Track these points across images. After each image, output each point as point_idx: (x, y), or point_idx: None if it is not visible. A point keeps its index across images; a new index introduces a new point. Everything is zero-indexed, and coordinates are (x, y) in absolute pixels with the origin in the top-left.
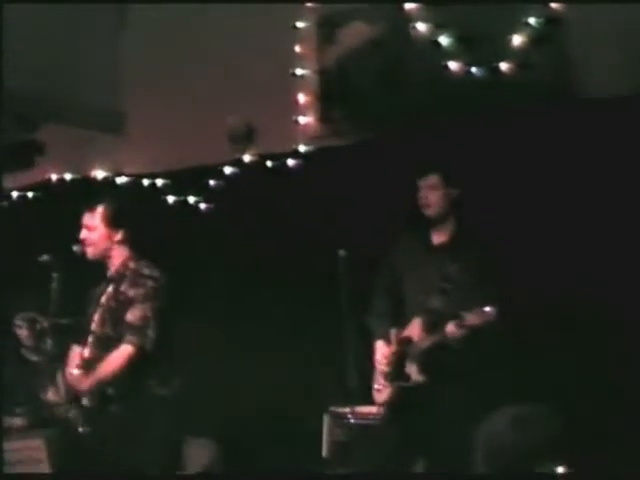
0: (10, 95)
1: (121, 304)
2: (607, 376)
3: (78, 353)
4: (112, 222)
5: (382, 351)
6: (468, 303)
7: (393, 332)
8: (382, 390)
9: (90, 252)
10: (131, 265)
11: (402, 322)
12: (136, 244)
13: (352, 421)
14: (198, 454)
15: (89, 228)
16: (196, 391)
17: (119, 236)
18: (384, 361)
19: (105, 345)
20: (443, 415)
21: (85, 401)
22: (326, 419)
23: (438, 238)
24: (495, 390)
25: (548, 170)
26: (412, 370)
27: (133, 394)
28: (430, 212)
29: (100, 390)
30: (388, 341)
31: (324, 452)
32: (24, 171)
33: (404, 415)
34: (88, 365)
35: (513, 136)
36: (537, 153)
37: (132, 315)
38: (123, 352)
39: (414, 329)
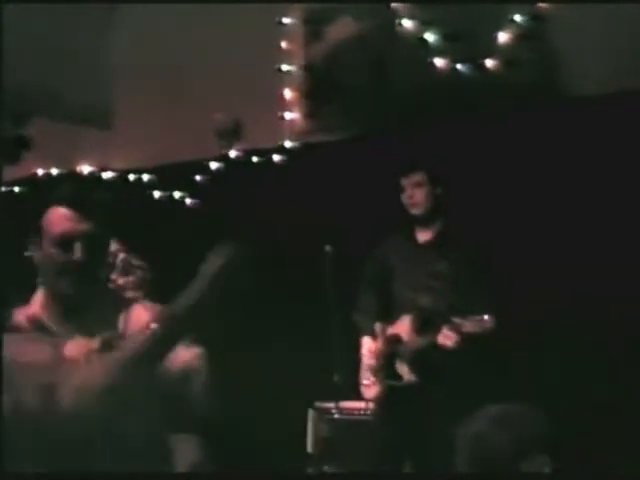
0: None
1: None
2: (595, 374)
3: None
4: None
5: (369, 346)
6: (457, 302)
7: (379, 327)
8: (370, 386)
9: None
10: (120, 256)
11: (389, 319)
12: (121, 238)
13: (337, 416)
14: (183, 450)
15: None
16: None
17: None
18: (371, 356)
19: None
20: (433, 415)
21: None
22: (311, 414)
23: (424, 236)
24: (485, 390)
25: (534, 168)
26: (403, 369)
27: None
28: (415, 210)
29: None
30: (374, 336)
31: (309, 448)
32: (10, 166)
33: (393, 413)
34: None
35: (500, 133)
36: (523, 151)
37: None
38: None
39: (403, 327)
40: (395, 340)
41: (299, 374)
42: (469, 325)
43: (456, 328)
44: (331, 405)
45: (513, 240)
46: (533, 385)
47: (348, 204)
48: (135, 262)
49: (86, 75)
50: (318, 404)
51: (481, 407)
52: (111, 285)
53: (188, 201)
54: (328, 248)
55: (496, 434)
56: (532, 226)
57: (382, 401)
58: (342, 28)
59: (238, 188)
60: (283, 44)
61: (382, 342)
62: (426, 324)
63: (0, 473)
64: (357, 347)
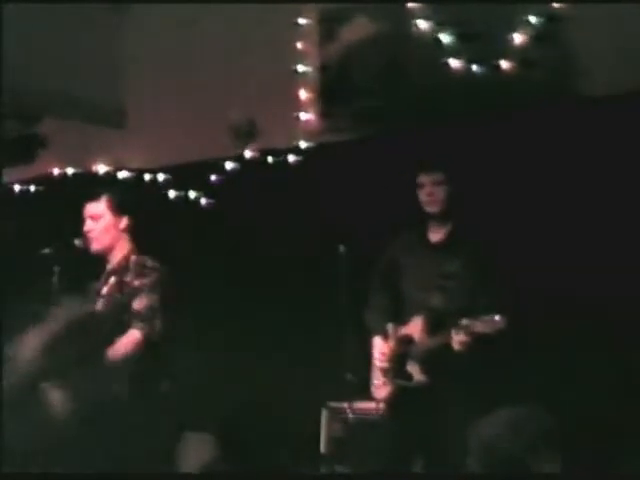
0: (12, 90)
1: (126, 294)
2: (606, 374)
3: None
4: (117, 209)
5: (380, 347)
6: (469, 302)
7: (391, 328)
8: (381, 387)
9: (95, 244)
10: (133, 258)
11: (400, 319)
12: (136, 238)
13: (350, 416)
14: (198, 449)
15: (94, 217)
16: (195, 387)
17: (124, 223)
18: (383, 358)
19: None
20: (443, 415)
21: None
22: (324, 414)
23: (436, 236)
24: (495, 392)
25: (549, 168)
26: (414, 369)
27: (137, 390)
28: (434, 209)
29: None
30: (386, 337)
31: (322, 448)
32: (26, 165)
33: (404, 413)
34: None
35: (513, 134)
36: (537, 151)
37: (139, 304)
38: (131, 336)
39: (415, 327)
40: (407, 340)
41: (312, 374)
42: (480, 325)
43: (466, 329)
44: (344, 405)
45: (525, 240)
46: (543, 386)
47: (363, 204)
48: (150, 263)
49: (101, 74)
50: (331, 404)
51: (491, 408)
52: (126, 287)
53: (203, 201)
54: (342, 248)
55: (509, 436)
56: (544, 226)
57: (393, 401)
58: (357, 29)
59: (253, 188)
60: (299, 45)
61: (394, 342)
62: (438, 325)
63: (0, 473)
64: (369, 347)
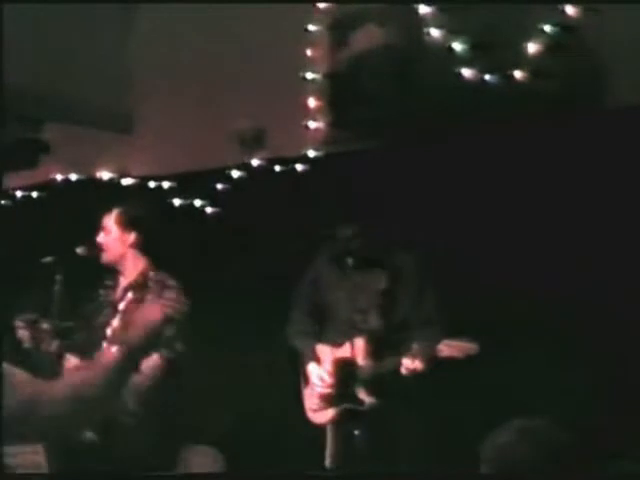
0: (15, 93)
1: None
2: (615, 385)
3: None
4: (125, 224)
5: (318, 373)
6: (407, 317)
7: (326, 352)
8: (320, 411)
9: (105, 257)
10: (152, 275)
11: (331, 341)
12: (144, 247)
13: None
14: (201, 462)
15: (105, 230)
16: (200, 398)
17: (131, 239)
18: (324, 384)
19: None
20: (396, 437)
21: None
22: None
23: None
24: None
25: (563, 179)
26: (361, 393)
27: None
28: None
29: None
30: (318, 361)
31: (327, 461)
32: (28, 170)
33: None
34: None
35: (525, 144)
36: (550, 162)
37: None
38: (151, 362)
39: (357, 350)
40: (348, 364)
41: None
42: (448, 350)
43: (425, 354)
44: None
45: (533, 251)
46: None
47: (372, 213)
48: (170, 282)
49: (106, 79)
50: None
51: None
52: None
53: (209, 210)
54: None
55: (521, 446)
56: (557, 240)
57: (339, 425)
58: (368, 36)
59: (260, 197)
60: (308, 52)
61: (333, 367)
62: (381, 346)
63: (0, 473)
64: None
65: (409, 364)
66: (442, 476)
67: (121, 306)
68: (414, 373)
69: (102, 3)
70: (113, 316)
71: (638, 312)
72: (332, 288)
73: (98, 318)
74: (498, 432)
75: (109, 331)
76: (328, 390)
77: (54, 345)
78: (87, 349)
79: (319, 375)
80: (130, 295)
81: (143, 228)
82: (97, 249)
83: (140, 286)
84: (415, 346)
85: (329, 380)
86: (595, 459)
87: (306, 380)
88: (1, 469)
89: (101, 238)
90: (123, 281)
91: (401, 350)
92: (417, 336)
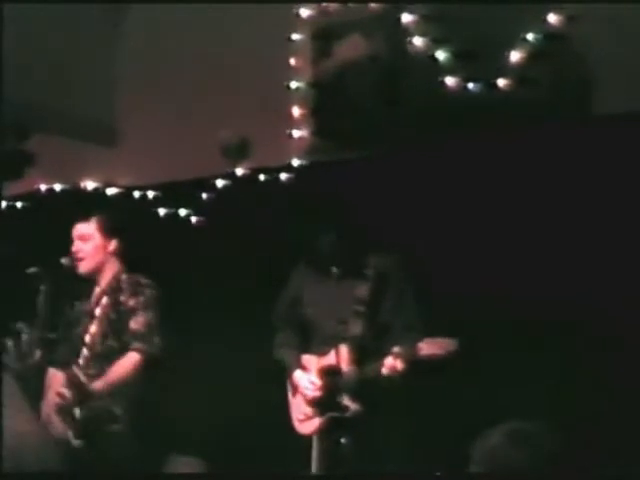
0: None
1: (122, 314)
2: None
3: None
4: (107, 231)
5: (307, 378)
6: (389, 322)
7: (311, 361)
8: (306, 421)
9: (83, 266)
10: (124, 277)
11: (315, 351)
12: (126, 256)
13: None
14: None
15: (83, 238)
16: (184, 406)
17: (113, 246)
18: (314, 387)
19: (106, 358)
20: (381, 443)
21: (77, 414)
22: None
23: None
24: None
25: (546, 187)
26: (346, 400)
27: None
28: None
29: (104, 407)
30: (304, 369)
31: (314, 468)
32: (13, 181)
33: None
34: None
35: (511, 152)
36: (535, 170)
37: (136, 323)
38: (131, 359)
39: (340, 358)
40: (333, 372)
41: None
42: (428, 348)
43: (406, 355)
44: None
45: (526, 260)
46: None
47: (355, 223)
48: (143, 281)
49: (90, 90)
50: None
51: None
52: (122, 308)
53: (194, 219)
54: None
55: (511, 449)
56: (545, 245)
57: (325, 434)
58: (352, 45)
59: (244, 206)
60: (292, 61)
61: (319, 375)
62: (364, 353)
63: (0, 473)
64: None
65: (390, 363)
66: (441, 476)
67: (97, 312)
68: (395, 372)
69: (88, 17)
70: (90, 324)
71: (627, 314)
72: (314, 300)
73: (76, 329)
74: (489, 434)
75: (87, 338)
76: (318, 393)
77: (37, 355)
78: (67, 360)
79: (309, 379)
80: (105, 300)
81: (125, 235)
82: (74, 259)
83: (114, 290)
84: (396, 349)
85: (319, 382)
86: (586, 461)
87: (293, 390)
88: (1, 469)
89: (79, 247)
90: (97, 289)
91: (384, 354)
92: (399, 340)
